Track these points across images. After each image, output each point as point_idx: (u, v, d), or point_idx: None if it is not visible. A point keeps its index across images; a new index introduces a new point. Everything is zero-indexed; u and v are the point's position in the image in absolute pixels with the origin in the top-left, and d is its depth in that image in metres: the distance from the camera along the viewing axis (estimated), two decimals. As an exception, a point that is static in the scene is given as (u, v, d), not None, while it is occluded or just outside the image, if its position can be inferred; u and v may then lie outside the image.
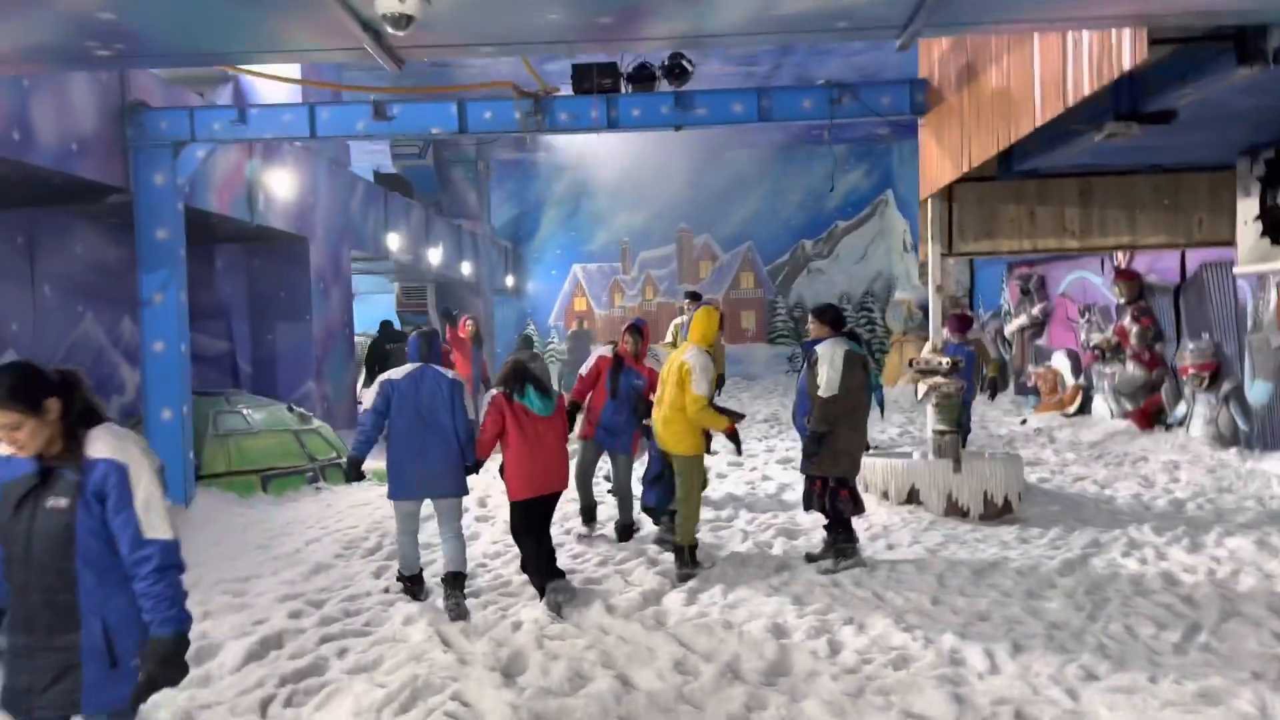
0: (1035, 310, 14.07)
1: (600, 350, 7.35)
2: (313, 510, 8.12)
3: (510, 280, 23.85)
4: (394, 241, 14.60)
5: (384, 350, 13.49)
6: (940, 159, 6.95)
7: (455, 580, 5.49)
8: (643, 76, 7.42)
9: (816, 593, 5.61)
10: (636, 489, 7.14)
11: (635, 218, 23.88)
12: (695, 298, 11.31)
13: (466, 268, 19.23)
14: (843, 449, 6.01)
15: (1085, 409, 12.86)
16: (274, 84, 11.28)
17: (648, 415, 6.54)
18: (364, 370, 14.31)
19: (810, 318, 6.39)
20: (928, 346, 8.17)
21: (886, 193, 24.01)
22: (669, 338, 11.13)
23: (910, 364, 7.61)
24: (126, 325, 9.89)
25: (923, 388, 7.51)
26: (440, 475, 5.56)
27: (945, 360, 7.40)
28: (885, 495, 7.52)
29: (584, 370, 7.03)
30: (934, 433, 7.42)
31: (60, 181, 7.36)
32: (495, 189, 23.56)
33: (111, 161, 7.65)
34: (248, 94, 11.30)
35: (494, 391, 5.69)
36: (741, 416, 6.10)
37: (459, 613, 5.33)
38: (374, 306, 24.39)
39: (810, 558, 6.23)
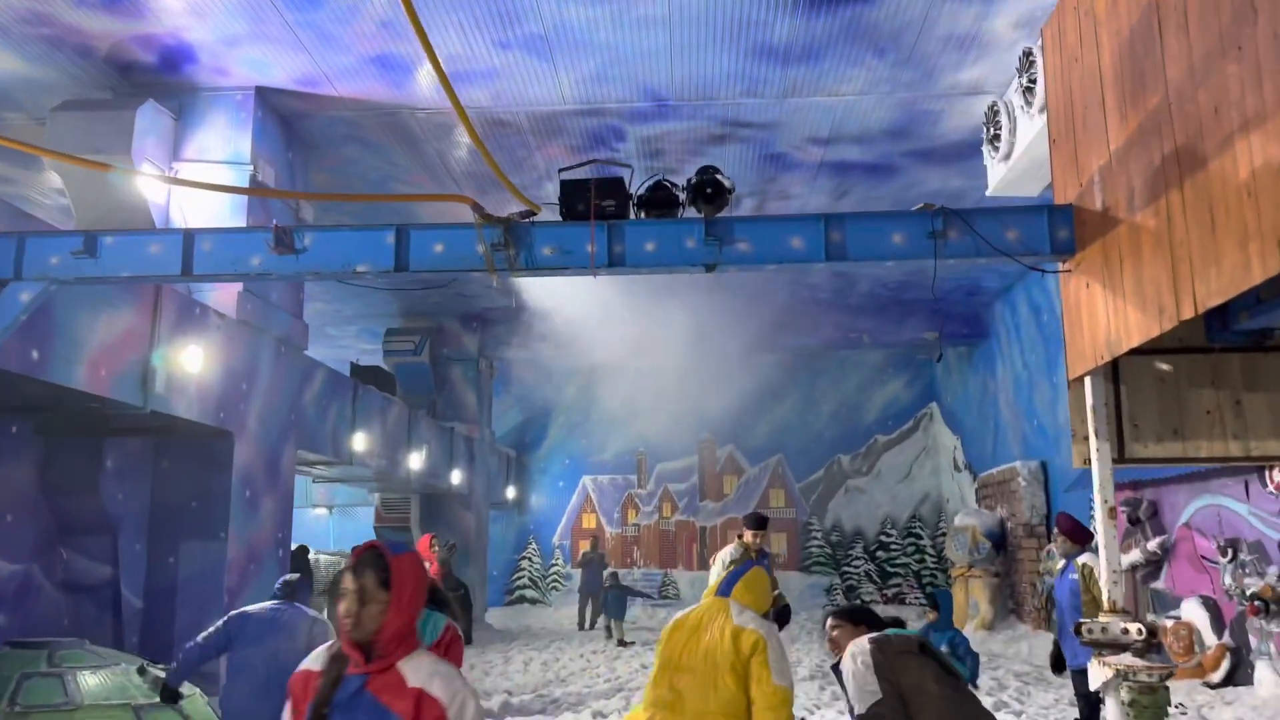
0: (1151, 545, 11.21)
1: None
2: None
3: (511, 492, 21.21)
4: (361, 442, 12.16)
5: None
6: (1111, 317, 4.54)
7: None
8: (660, 199, 5.15)
9: None
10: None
11: (652, 426, 21.44)
12: (760, 524, 7.71)
13: (456, 476, 16.68)
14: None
15: (1236, 677, 9.76)
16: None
17: None
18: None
19: (828, 624, 3.92)
20: (1103, 581, 5.13)
21: (930, 406, 21.68)
22: (713, 576, 7.84)
23: (1077, 631, 4.80)
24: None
25: (1100, 672, 4.67)
26: None
27: (1137, 627, 4.61)
28: None
29: None
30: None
31: None
32: (500, 392, 21.39)
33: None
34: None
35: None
36: None
37: None
38: (357, 522, 21.75)
39: None
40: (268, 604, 5.45)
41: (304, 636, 5.28)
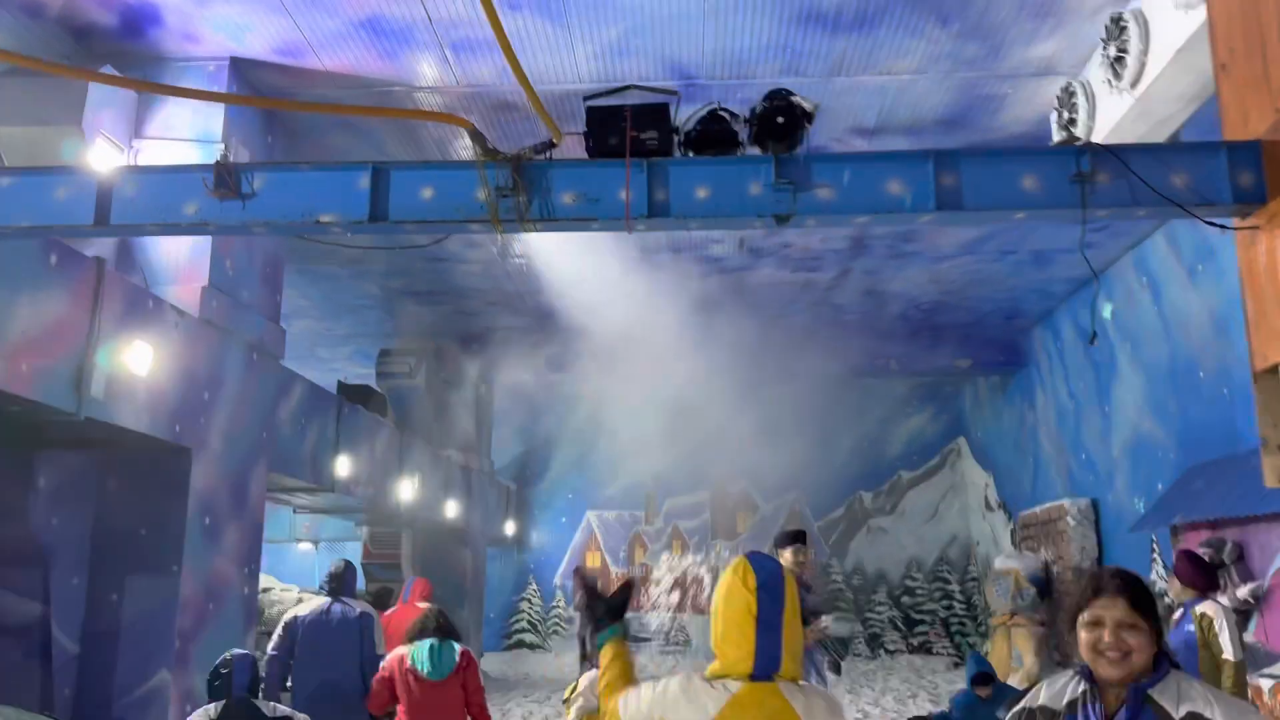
0: (1242, 592, 9.87)
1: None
2: None
3: (511, 528, 19.84)
4: (345, 467, 10.88)
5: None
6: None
7: None
8: (715, 136, 3.95)
9: None
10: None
11: (661, 459, 20.03)
12: (799, 540, 6.43)
13: (452, 509, 15.35)
14: None
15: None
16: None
17: None
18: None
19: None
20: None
21: (958, 440, 20.40)
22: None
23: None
24: None
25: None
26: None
27: None
28: None
29: None
30: None
31: None
32: (500, 422, 20.09)
33: None
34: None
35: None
36: None
37: None
38: (346, 558, 20.34)
39: None
40: (315, 603, 5.90)
41: (355, 630, 5.82)
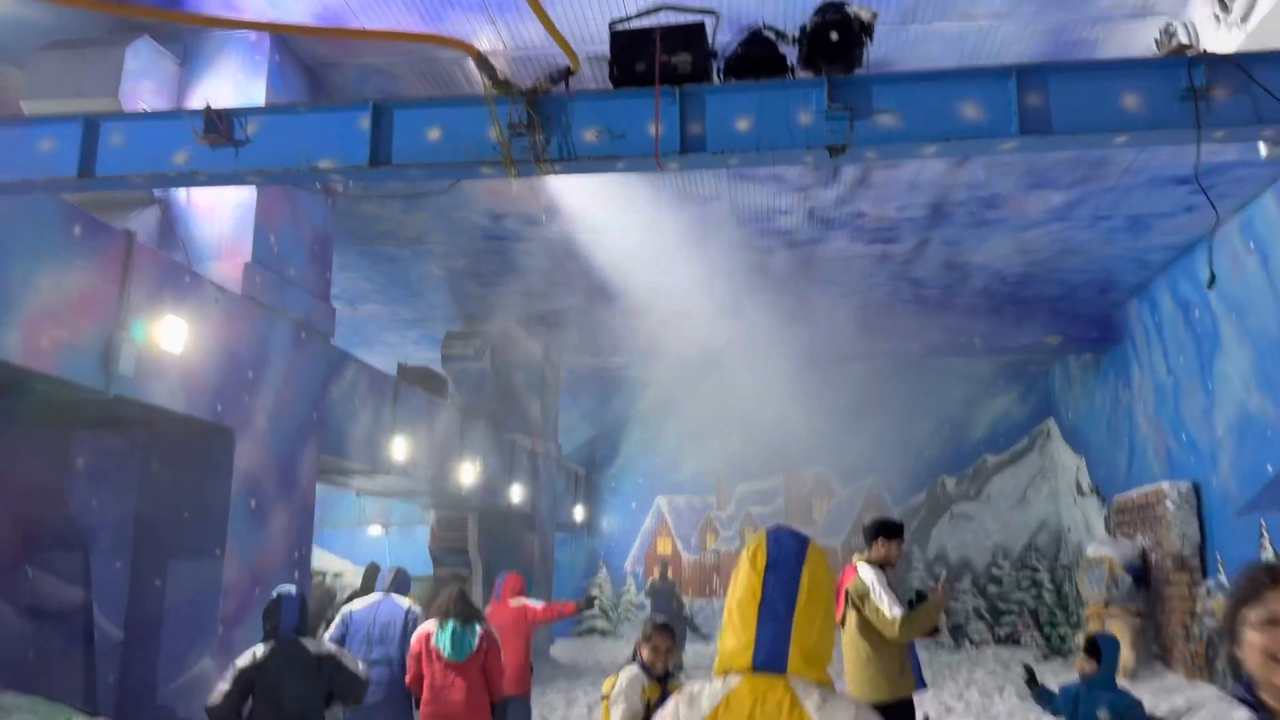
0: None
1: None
2: None
3: (580, 513, 19.53)
4: (401, 449, 10.62)
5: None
6: None
7: None
8: (758, 61, 3.42)
9: None
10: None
11: (733, 443, 19.56)
12: (890, 533, 5.68)
13: (517, 493, 15.06)
14: None
15: None
16: (215, 202, 7.84)
17: None
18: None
19: None
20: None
21: (1047, 422, 19.37)
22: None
23: None
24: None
25: None
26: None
27: None
28: None
29: None
30: None
31: None
32: (567, 406, 19.75)
33: None
34: (180, 211, 7.85)
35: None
36: None
37: None
38: (414, 542, 20.27)
39: None
40: (369, 599, 6.59)
41: (401, 625, 6.40)
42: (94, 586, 7.08)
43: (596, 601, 19.79)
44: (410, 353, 19.26)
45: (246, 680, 4.69)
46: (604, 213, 10.98)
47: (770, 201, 11.53)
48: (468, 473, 12.90)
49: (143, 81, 7.63)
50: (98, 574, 7.12)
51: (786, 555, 1.79)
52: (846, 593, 5.60)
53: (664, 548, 20.47)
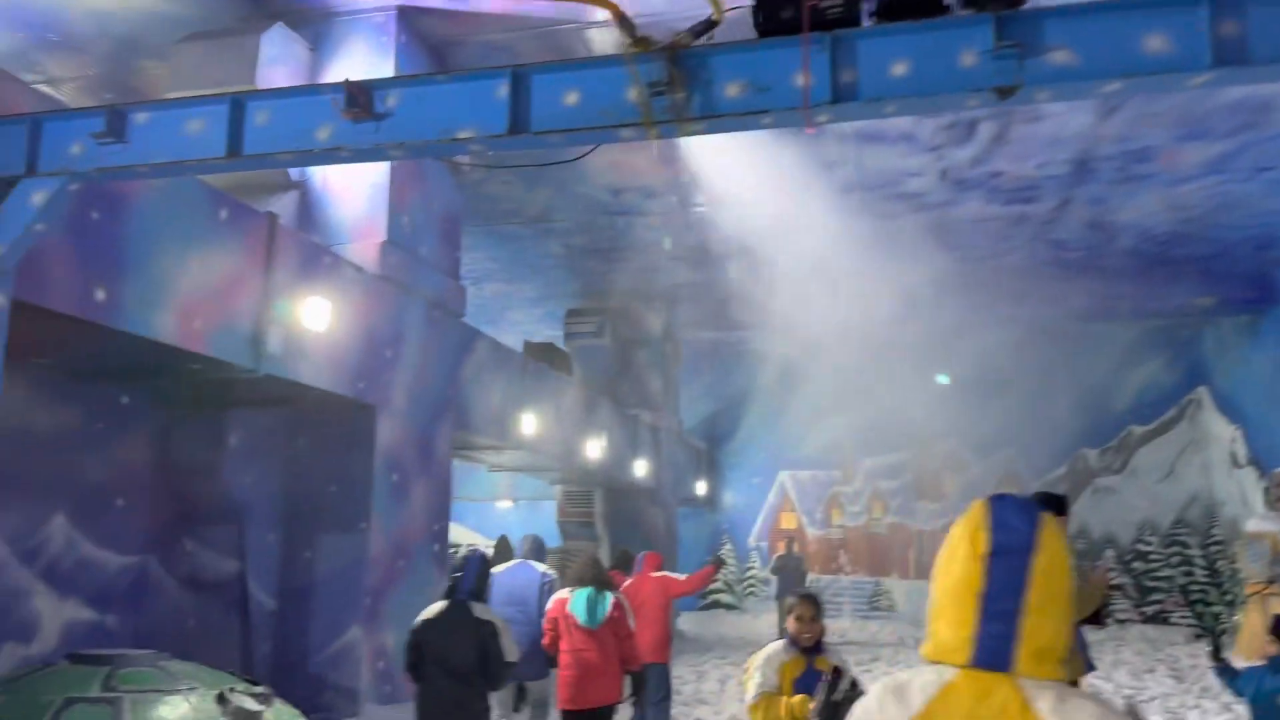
0: None
1: None
2: None
3: (702, 488, 19.47)
4: (530, 424, 10.73)
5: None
6: None
7: None
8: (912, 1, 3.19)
9: None
10: None
11: (859, 417, 19.03)
12: (1057, 509, 5.14)
13: (641, 468, 15.09)
14: None
15: None
16: (350, 184, 8.01)
17: None
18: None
19: None
20: None
21: (1198, 390, 18.18)
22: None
23: None
24: (58, 523, 6.28)
25: None
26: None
27: None
28: None
29: None
30: None
31: None
32: (688, 380, 19.65)
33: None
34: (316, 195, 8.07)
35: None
36: None
37: None
38: (542, 516, 20.61)
39: None
40: (509, 563, 6.80)
41: (538, 588, 6.61)
42: (248, 559, 7.38)
43: (721, 570, 19.73)
44: (533, 331, 19.52)
45: (420, 637, 4.94)
46: (726, 183, 10.77)
47: (899, 164, 11.10)
48: (593, 447, 12.97)
49: (277, 67, 7.83)
50: (251, 547, 7.42)
51: (1014, 538, 1.51)
52: None
53: (788, 523, 20.22)
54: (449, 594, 5.00)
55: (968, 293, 14.42)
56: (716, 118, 3.34)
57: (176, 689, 4.86)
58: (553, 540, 16.23)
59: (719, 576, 19.75)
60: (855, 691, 2.87)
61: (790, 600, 4.64)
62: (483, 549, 5.69)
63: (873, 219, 12.24)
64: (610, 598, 5.84)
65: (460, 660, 4.82)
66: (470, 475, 19.06)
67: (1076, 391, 18.35)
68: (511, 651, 4.96)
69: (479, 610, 4.94)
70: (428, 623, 4.94)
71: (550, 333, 19.27)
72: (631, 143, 3.58)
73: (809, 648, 4.36)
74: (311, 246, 7.07)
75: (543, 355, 13.02)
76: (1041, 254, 14.14)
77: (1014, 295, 15.07)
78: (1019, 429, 18.42)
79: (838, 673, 2.37)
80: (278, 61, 7.81)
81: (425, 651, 4.89)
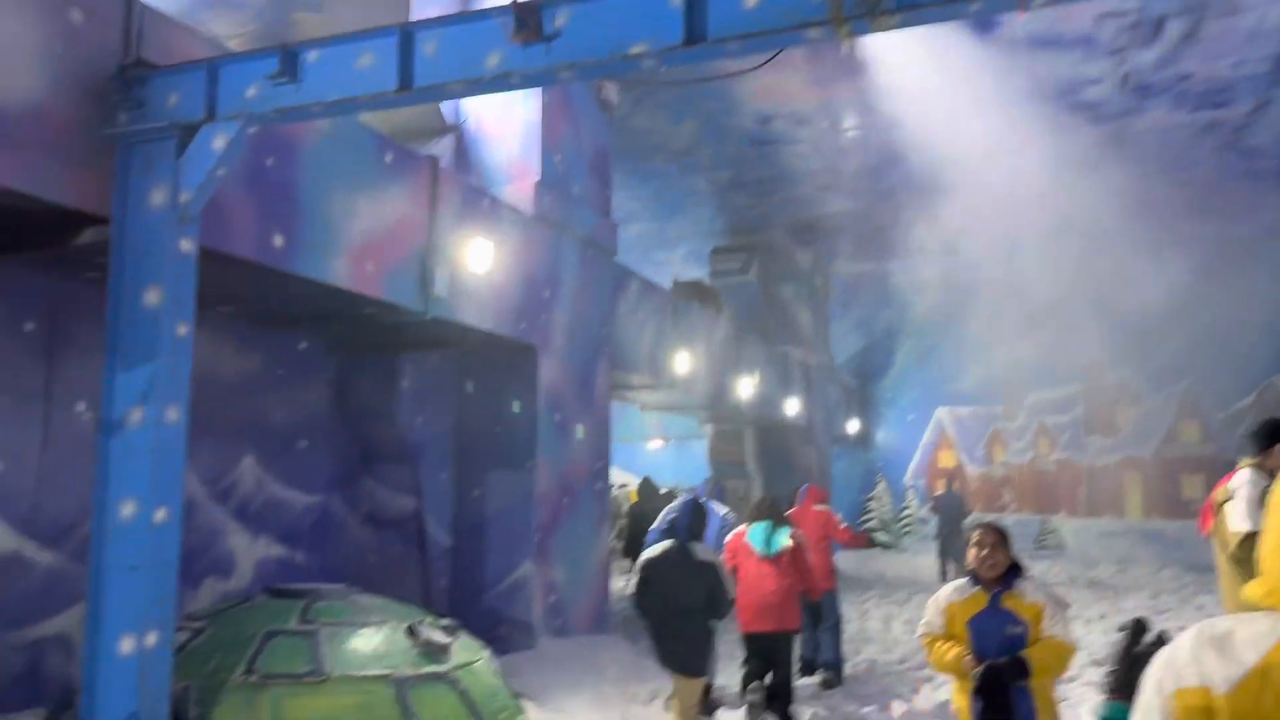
0: None
1: None
2: None
3: (854, 425, 19.04)
4: (683, 363, 10.63)
5: (642, 517, 9.37)
6: None
7: None
8: None
9: None
10: None
11: (1022, 347, 18.08)
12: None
13: (793, 406, 14.83)
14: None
15: None
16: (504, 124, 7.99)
17: None
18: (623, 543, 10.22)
19: None
20: None
21: None
22: (1234, 521, 4.85)
23: None
24: (248, 465, 6.59)
25: None
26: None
27: None
28: None
29: None
30: None
31: None
32: (838, 316, 19.14)
33: (89, 170, 4.31)
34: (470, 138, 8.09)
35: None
36: None
37: None
38: (692, 456, 20.65)
39: None
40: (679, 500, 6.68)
41: (718, 527, 6.91)
42: (424, 497, 7.59)
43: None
44: (679, 269, 19.37)
45: (645, 573, 5.39)
46: (887, 98, 10.22)
47: (1076, 71, 10.27)
48: (745, 386, 12.78)
49: (429, 10, 7.82)
50: (426, 486, 7.63)
51: None
52: (1216, 500, 4.89)
53: (946, 461, 19.61)
54: (668, 534, 5.51)
55: (1147, 211, 13.34)
56: (915, 9, 3.03)
57: (369, 622, 5.01)
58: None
59: (871, 510, 19.40)
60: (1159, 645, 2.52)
61: (968, 529, 4.35)
62: (694, 495, 6.13)
63: (1046, 132, 11.41)
64: (787, 530, 6.22)
65: (688, 598, 5.28)
66: (621, 415, 19.28)
67: (1268, 315, 16.85)
68: (732, 589, 5.52)
69: (700, 552, 5.38)
70: (651, 561, 5.39)
71: (694, 271, 19.08)
72: (820, 43, 3.30)
73: (992, 582, 4.00)
74: (471, 189, 7.08)
75: (692, 293, 12.86)
76: (1232, 165, 12.94)
77: (1199, 212, 13.87)
78: (1199, 357, 17.13)
79: (1139, 623, 2.04)
80: (431, 4, 7.79)
81: (652, 587, 5.34)
